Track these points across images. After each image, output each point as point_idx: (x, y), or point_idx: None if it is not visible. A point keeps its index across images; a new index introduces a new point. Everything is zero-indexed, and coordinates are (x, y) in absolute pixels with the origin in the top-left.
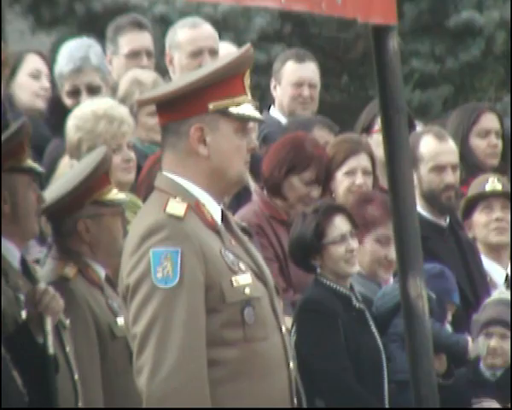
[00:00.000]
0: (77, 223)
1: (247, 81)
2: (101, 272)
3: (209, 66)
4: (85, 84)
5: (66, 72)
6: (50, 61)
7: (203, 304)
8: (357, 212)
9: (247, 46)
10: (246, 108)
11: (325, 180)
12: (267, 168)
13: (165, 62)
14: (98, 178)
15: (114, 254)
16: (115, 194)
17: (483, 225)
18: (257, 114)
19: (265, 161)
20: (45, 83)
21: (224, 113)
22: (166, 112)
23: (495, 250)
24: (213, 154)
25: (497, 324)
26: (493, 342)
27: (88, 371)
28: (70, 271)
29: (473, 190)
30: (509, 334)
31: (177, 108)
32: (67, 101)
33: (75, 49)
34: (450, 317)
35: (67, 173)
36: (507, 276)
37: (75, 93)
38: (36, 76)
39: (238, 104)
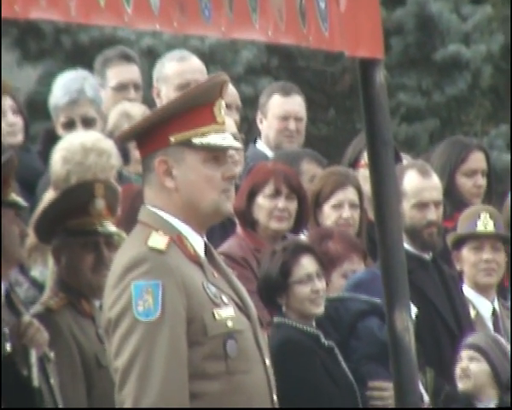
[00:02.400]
0: None
1: (220, 110)
2: (96, 302)
3: (172, 98)
4: (80, 116)
5: (62, 104)
6: (43, 91)
7: (185, 337)
8: (319, 249)
9: (214, 75)
10: (213, 137)
11: (304, 211)
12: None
13: (152, 95)
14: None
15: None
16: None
17: (472, 263)
18: (225, 143)
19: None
20: (10, 118)
21: (187, 144)
22: (139, 146)
23: (481, 287)
24: (181, 186)
25: (468, 348)
26: (462, 365)
27: (73, 402)
28: (55, 302)
29: (463, 225)
30: (479, 357)
31: (144, 143)
32: (62, 133)
33: (71, 81)
34: None
35: None
36: (494, 310)
37: (70, 125)
38: None
39: (203, 134)
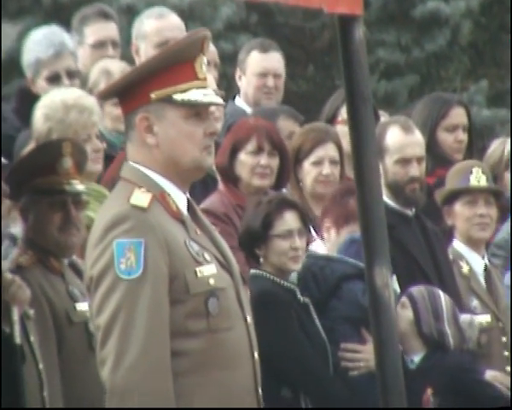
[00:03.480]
0: None
1: (201, 67)
2: (64, 260)
3: (152, 55)
4: (65, 69)
5: (46, 57)
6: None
7: (167, 295)
8: (339, 202)
9: (193, 31)
10: (194, 93)
11: (286, 167)
12: (216, 159)
13: (131, 52)
14: None
15: None
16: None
17: (465, 218)
18: (207, 99)
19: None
20: None
21: (168, 101)
22: (120, 104)
23: (474, 241)
24: (162, 142)
25: (406, 295)
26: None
27: (44, 359)
28: (25, 259)
29: (454, 180)
30: (407, 304)
31: (125, 100)
32: (45, 87)
33: (51, 35)
34: None
35: None
36: (485, 265)
37: (55, 79)
38: None
39: (184, 91)
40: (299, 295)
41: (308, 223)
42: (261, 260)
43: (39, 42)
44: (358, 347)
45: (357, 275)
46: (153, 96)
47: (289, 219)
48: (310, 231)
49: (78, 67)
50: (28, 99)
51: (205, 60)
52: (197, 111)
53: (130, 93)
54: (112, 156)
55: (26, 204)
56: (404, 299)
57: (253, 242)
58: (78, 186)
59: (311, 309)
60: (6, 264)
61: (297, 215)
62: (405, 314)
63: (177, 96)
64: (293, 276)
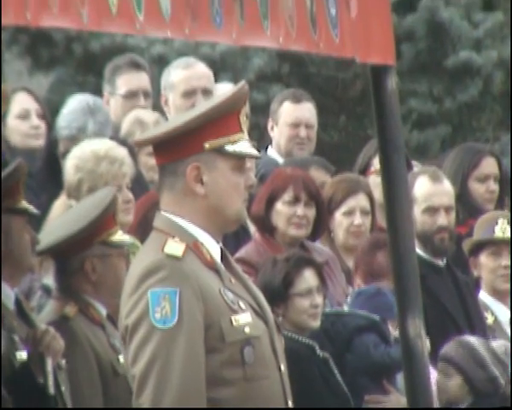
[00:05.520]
0: (84, 262)
1: (243, 119)
2: (103, 311)
3: (204, 105)
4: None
5: (63, 136)
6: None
7: (202, 344)
8: (366, 258)
9: (241, 84)
10: (242, 145)
11: (322, 218)
12: (252, 208)
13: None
14: (107, 218)
15: (118, 295)
16: (121, 235)
17: (490, 269)
18: (254, 151)
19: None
20: (35, 121)
21: (220, 151)
22: (163, 152)
23: (499, 292)
24: (211, 192)
25: (444, 360)
26: (438, 378)
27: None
28: (70, 310)
29: (480, 230)
30: (452, 372)
31: (174, 149)
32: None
33: (74, 114)
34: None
35: (69, 213)
36: None
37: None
38: (24, 116)
39: (234, 142)
40: (318, 351)
41: (325, 279)
42: (279, 319)
43: (64, 115)
44: (382, 398)
45: (370, 327)
46: (207, 145)
47: (309, 278)
48: (326, 286)
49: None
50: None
51: (247, 112)
52: (241, 163)
53: (181, 142)
54: None
55: (95, 257)
56: (443, 365)
57: (271, 300)
58: (126, 237)
59: (332, 364)
60: (47, 315)
61: (315, 272)
62: (453, 382)
63: (229, 148)
64: None
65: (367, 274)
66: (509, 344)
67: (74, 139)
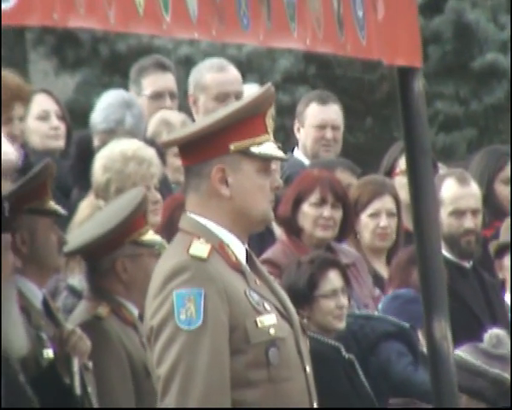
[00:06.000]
0: (115, 262)
1: (269, 121)
2: (135, 311)
3: (229, 106)
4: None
5: (100, 129)
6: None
7: (227, 345)
8: (402, 272)
9: (267, 86)
10: (268, 147)
11: (349, 219)
12: (279, 209)
13: (188, 103)
14: (138, 218)
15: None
16: (151, 235)
17: None
18: (279, 153)
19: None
20: (54, 122)
21: (245, 153)
22: (188, 153)
23: None
24: (236, 194)
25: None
26: None
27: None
28: (103, 310)
29: (505, 233)
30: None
31: (199, 150)
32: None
33: (111, 107)
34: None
35: (99, 214)
36: None
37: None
38: (44, 117)
39: (260, 144)
40: (344, 352)
41: (349, 280)
42: (305, 320)
43: (99, 109)
44: (407, 400)
45: (397, 334)
46: (232, 147)
47: (333, 279)
48: (351, 286)
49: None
50: (88, 153)
51: (272, 113)
52: (267, 165)
53: (206, 143)
54: None
55: (126, 257)
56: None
57: (296, 302)
58: (156, 237)
59: (357, 365)
60: (79, 315)
61: (339, 273)
62: (461, 401)
63: (255, 149)
64: None
65: (401, 288)
66: (503, 331)
67: (112, 132)
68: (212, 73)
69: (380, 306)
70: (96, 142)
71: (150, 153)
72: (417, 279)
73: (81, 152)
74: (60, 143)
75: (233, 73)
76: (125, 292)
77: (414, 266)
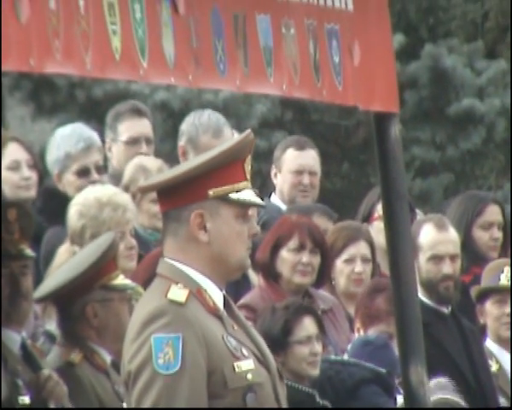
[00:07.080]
0: (85, 307)
1: (248, 167)
2: (107, 358)
3: (209, 152)
4: (94, 164)
5: (75, 152)
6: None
7: (205, 390)
8: (366, 301)
9: (247, 132)
10: (246, 193)
11: (326, 265)
12: (257, 255)
13: (164, 148)
14: (107, 262)
15: (121, 340)
16: (122, 279)
17: (495, 317)
18: (258, 200)
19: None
20: (26, 172)
21: (224, 199)
22: (167, 199)
23: (503, 340)
24: (214, 240)
25: None
26: None
27: None
28: (75, 357)
29: (486, 278)
30: None
31: (178, 195)
32: (73, 182)
33: (80, 130)
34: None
35: (71, 260)
36: None
37: (85, 173)
38: (14, 168)
39: (239, 190)
40: (318, 399)
41: (324, 327)
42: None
43: (68, 137)
44: None
45: (375, 380)
46: (211, 193)
47: (308, 325)
48: (325, 334)
49: (113, 164)
50: (54, 198)
51: (249, 161)
52: (245, 211)
53: (185, 188)
54: (141, 255)
55: (96, 302)
56: None
57: (271, 348)
58: (127, 281)
59: None
60: (52, 361)
61: (314, 320)
62: None
63: (234, 196)
64: None
65: (365, 317)
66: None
67: (88, 151)
68: (208, 137)
69: (349, 349)
70: (73, 167)
71: (125, 198)
72: (381, 307)
73: (49, 195)
74: (31, 193)
75: (228, 136)
76: (97, 338)
77: (378, 295)
